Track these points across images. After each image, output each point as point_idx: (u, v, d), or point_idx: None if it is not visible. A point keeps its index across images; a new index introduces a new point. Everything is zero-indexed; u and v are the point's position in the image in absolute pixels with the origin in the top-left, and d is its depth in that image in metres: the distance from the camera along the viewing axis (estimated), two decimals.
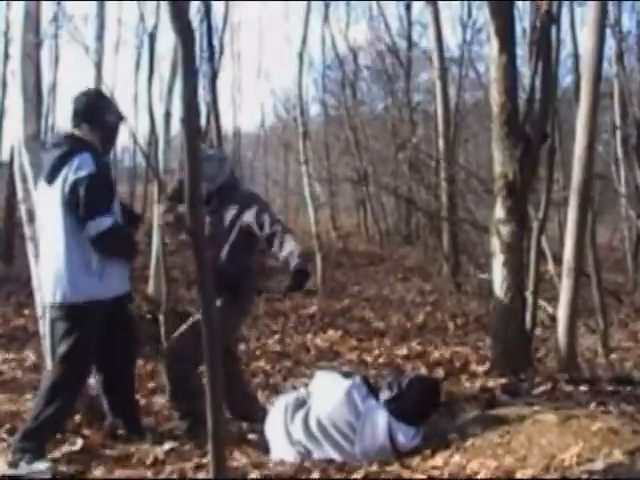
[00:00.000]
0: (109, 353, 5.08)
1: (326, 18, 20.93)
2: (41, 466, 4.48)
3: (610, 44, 13.26)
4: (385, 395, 4.74)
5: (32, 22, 5.99)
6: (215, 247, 5.45)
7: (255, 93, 59.41)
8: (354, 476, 4.23)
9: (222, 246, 5.54)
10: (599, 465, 3.67)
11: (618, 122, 15.05)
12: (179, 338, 5.59)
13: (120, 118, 5.20)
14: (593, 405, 4.82)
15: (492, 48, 6.31)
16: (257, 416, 5.47)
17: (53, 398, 4.72)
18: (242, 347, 8.64)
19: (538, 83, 6.40)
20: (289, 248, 5.18)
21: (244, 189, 6.00)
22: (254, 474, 4.37)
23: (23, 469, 4.46)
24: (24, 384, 6.57)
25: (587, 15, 5.95)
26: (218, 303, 5.40)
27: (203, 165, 5.48)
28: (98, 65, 7.40)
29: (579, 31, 13.26)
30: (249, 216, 5.41)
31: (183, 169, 2.41)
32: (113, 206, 4.90)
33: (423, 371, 7.46)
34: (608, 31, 11.08)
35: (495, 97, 6.29)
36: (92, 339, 4.85)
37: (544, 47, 6.30)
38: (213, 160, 5.72)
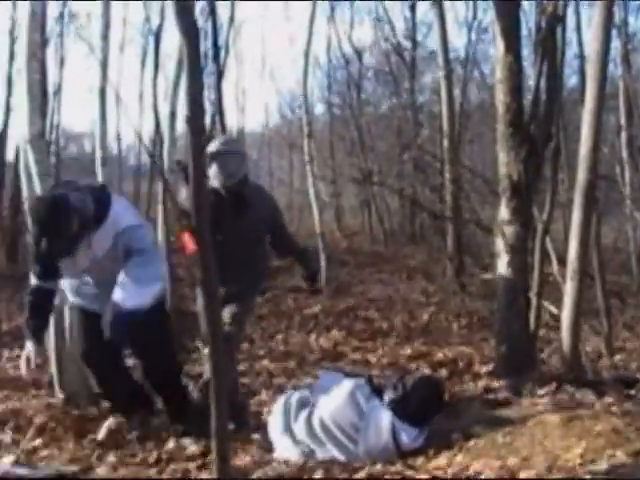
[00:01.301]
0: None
1: (331, 17, 20.96)
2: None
3: (616, 45, 13.23)
4: (389, 395, 4.73)
5: (38, 21, 6.01)
6: (248, 243, 5.69)
7: (259, 93, 59.38)
8: (357, 476, 4.23)
9: (255, 243, 5.81)
10: (603, 466, 3.66)
11: (623, 123, 15.02)
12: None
13: None
14: (597, 406, 4.82)
15: (498, 48, 6.30)
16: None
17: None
18: (246, 346, 8.66)
19: (543, 84, 6.39)
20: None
21: (251, 182, 6.05)
22: (257, 473, 4.37)
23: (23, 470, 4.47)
24: (28, 382, 6.57)
25: (593, 16, 5.93)
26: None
27: (228, 160, 5.58)
28: (104, 64, 7.39)
29: (585, 32, 13.22)
30: (281, 219, 5.99)
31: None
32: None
33: (427, 371, 7.47)
34: (614, 32, 11.06)
35: (500, 97, 6.28)
36: None
37: (550, 48, 6.29)
38: (237, 155, 5.79)
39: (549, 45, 6.28)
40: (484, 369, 7.27)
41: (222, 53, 13.44)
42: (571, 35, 7.80)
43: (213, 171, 5.55)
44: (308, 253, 6.31)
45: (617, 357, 7.65)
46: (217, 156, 5.56)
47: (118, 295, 4.72)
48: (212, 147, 5.58)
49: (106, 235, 4.85)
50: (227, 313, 5.59)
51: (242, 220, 5.64)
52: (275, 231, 6.05)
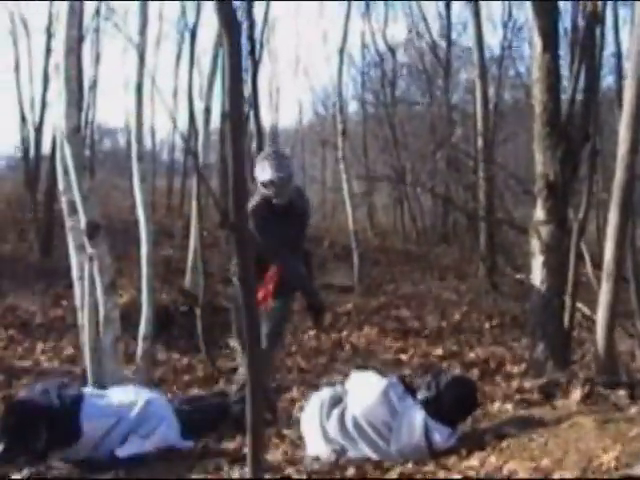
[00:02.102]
0: None
1: (366, 14, 20.89)
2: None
3: None
4: (423, 394, 4.72)
5: (76, 18, 6.05)
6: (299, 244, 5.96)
7: (293, 90, 59.41)
8: (389, 475, 4.23)
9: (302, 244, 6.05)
10: (638, 470, 3.63)
11: None
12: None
13: None
14: (632, 409, 4.78)
15: (535, 47, 6.26)
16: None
17: None
18: None
19: (581, 83, 6.34)
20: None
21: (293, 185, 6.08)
22: (289, 470, 4.38)
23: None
24: (61, 375, 6.63)
25: (633, 15, 5.87)
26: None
27: (283, 163, 5.65)
28: (141, 59, 7.43)
29: (622, 31, 13.07)
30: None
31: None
32: None
33: (458, 371, 7.44)
34: None
35: (537, 96, 6.25)
36: None
37: (588, 47, 6.24)
38: (289, 158, 5.96)
39: (588, 44, 6.23)
40: (516, 369, 7.24)
41: (257, 48, 13.47)
42: (608, 34, 7.74)
43: (268, 192, 5.65)
44: (312, 285, 6.21)
45: None
46: (272, 184, 5.58)
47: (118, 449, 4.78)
48: (266, 175, 5.56)
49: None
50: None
51: (289, 225, 5.77)
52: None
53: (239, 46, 2.56)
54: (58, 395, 4.83)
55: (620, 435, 4.05)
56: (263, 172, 5.54)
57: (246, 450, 2.60)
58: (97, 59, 18.44)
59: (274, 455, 4.81)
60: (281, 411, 6.17)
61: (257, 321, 2.51)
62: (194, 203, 9.91)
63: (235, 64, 2.39)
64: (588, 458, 3.87)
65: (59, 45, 6.13)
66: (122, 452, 4.71)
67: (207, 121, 12.25)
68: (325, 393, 5.11)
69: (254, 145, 13.81)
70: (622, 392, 5.32)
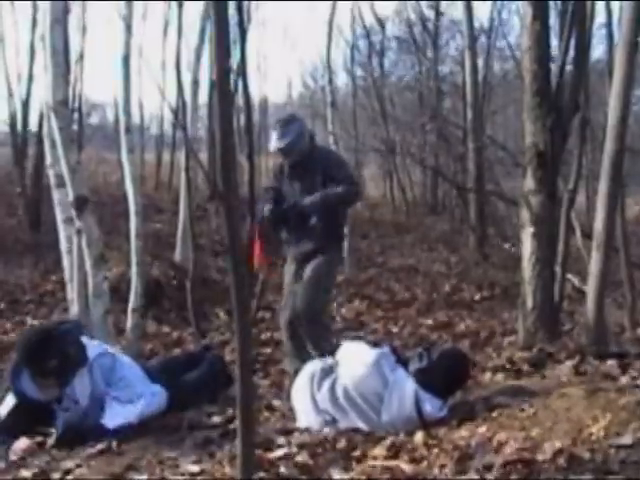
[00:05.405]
0: None
1: None
2: None
3: None
4: (414, 365, 4.71)
5: None
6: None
7: (282, 63, 59.09)
8: (380, 445, 4.22)
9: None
10: (627, 439, 3.63)
11: None
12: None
13: None
14: (622, 379, 4.79)
15: (525, 16, 6.23)
16: None
17: None
18: (268, 315, 8.68)
19: (570, 53, 6.31)
20: None
21: (324, 147, 7.07)
22: (280, 441, 4.38)
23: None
24: None
25: None
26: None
27: (285, 131, 6.05)
28: (127, 31, 7.36)
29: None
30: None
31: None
32: None
33: (449, 342, 7.47)
34: None
35: (527, 66, 6.22)
36: None
37: (578, 16, 6.20)
38: (293, 124, 6.15)
39: (578, 13, 6.18)
40: (506, 340, 7.26)
41: (245, 19, 13.35)
42: (598, 2, 7.68)
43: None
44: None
45: None
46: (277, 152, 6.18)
47: (105, 416, 4.76)
48: (271, 145, 6.16)
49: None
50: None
51: (301, 183, 6.19)
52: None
53: (227, 17, 2.52)
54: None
55: (610, 405, 4.05)
56: (270, 142, 6.14)
57: (236, 423, 2.59)
58: (84, 30, 18.19)
59: (265, 427, 4.81)
60: (271, 383, 6.19)
61: (245, 292, 2.48)
62: (183, 176, 9.89)
63: (222, 31, 2.36)
64: (578, 428, 3.87)
65: (45, 16, 6.06)
66: (110, 423, 4.70)
67: (195, 93, 12.21)
68: (316, 364, 5.10)
69: (243, 118, 13.78)
70: (612, 362, 5.34)
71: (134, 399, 4.86)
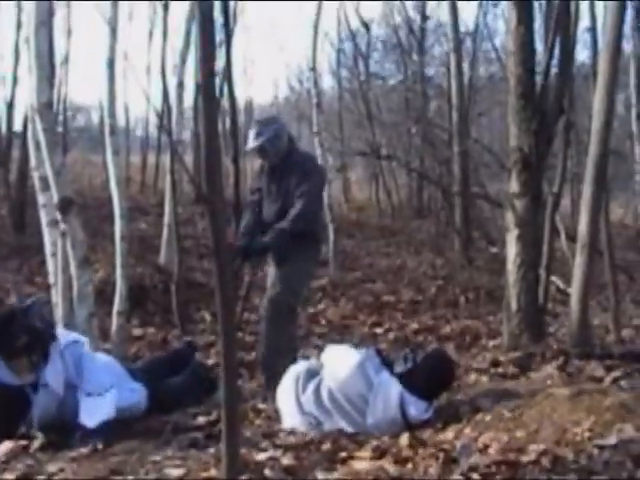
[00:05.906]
0: None
1: None
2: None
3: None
4: (399, 368, 4.72)
5: None
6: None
7: (268, 65, 59.08)
8: (365, 447, 4.23)
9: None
10: (611, 440, 3.65)
11: (634, 98, 14.97)
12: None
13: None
14: (606, 380, 4.81)
15: (510, 20, 6.25)
16: None
17: None
18: (253, 317, 8.67)
19: (555, 57, 6.34)
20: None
21: (303, 152, 6.74)
22: (265, 444, 4.38)
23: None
24: None
25: None
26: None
27: (260, 132, 6.00)
28: (113, 34, 7.35)
29: (597, 4, 13.08)
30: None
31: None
32: None
33: (434, 345, 7.48)
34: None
35: (512, 69, 6.24)
36: None
37: (563, 20, 6.23)
38: (269, 125, 6.08)
39: (562, 17, 6.21)
40: (491, 343, 7.28)
41: (231, 22, 13.35)
42: (582, 6, 7.70)
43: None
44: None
45: (624, 332, 7.62)
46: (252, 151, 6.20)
47: (81, 415, 4.72)
48: (247, 145, 6.13)
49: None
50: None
51: (278, 184, 6.16)
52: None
53: (212, 17, 2.53)
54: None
55: (594, 406, 4.07)
56: (247, 141, 6.09)
57: (221, 425, 2.59)
58: (69, 33, 18.11)
59: (249, 429, 4.81)
60: (257, 385, 6.18)
61: (230, 294, 2.49)
62: (168, 179, 9.88)
63: (207, 33, 2.36)
64: (562, 429, 3.89)
65: (29, 18, 6.04)
66: (89, 422, 4.68)
67: (180, 96, 12.20)
68: (301, 366, 5.10)
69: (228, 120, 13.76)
70: (596, 364, 5.37)
71: (102, 391, 4.84)
